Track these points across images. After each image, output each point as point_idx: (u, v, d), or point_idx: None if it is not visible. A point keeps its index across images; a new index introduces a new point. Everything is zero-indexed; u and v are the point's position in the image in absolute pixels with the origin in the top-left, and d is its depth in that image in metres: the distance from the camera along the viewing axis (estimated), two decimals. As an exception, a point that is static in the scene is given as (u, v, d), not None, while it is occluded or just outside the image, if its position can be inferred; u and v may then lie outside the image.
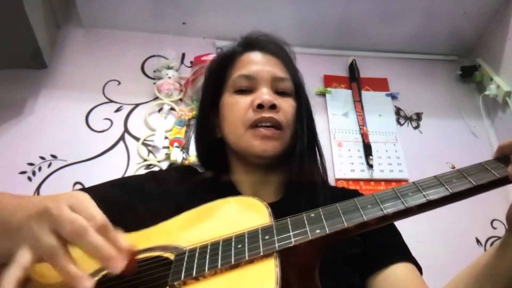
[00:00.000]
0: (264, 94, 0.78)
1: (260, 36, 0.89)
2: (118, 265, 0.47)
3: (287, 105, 0.81)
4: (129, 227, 0.66)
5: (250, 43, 0.88)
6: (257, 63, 0.83)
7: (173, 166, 1.43)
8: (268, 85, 0.80)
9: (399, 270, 0.71)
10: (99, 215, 0.50)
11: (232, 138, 0.81)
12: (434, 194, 0.51)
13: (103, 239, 0.47)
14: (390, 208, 0.51)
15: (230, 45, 0.90)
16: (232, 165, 0.86)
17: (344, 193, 0.87)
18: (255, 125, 0.77)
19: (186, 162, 1.52)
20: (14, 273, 0.47)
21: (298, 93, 0.86)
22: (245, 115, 0.78)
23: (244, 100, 0.80)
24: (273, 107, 0.77)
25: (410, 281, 0.70)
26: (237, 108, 0.80)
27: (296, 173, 0.79)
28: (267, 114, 0.77)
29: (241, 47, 0.88)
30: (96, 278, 0.57)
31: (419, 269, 0.74)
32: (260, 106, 0.77)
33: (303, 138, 0.82)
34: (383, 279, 0.70)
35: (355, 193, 0.87)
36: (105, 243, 0.47)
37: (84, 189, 0.81)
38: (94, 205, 0.51)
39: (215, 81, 0.87)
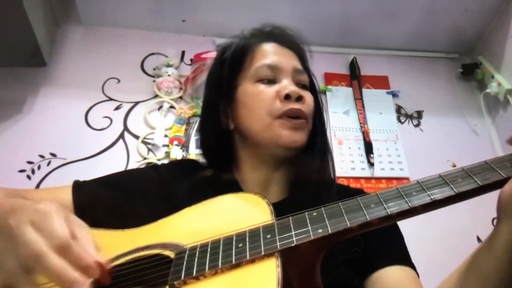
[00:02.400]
0: (290, 85, 0.78)
1: (274, 29, 0.88)
2: None
3: (309, 98, 0.81)
4: (129, 223, 0.66)
5: (266, 35, 0.87)
6: (277, 54, 0.82)
7: (176, 160, 1.42)
8: (289, 77, 0.80)
9: (394, 273, 0.70)
10: (62, 232, 0.45)
11: (255, 128, 0.78)
12: (439, 193, 0.50)
13: (62, 263, 0.43)
14: (394, 207, 0.50)
15: (237, 37, 0.88)
16: (240, 161, 0.84)
17: (349, 192, 0.86)
18: (282, 115, 0.76)
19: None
20: None
21: (313, 87, 0.86)
22: (272, 105, 0.77)
23: (269, 90, 0.78)
24: (299, 98, 0.77)
25: (404, 285, 0.68)
26: (262, 98, 0.78)
27: (313, 170, 0.79)
28: (295, 106, 0.76)
29: (255, 38, 0.86)
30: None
31: (417, 275, 0.73)
32: (287, 97, 0.76)
33: (324, 133, 0.83)
34: (377, 280, 0.69)
35: (360, 193, 0.85)
36: (64, 267, 0.43)
37: (85, 182, 0.80)
38: (59, 220, 0.47)
39: (229, 71, 0.84)
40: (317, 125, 0.82)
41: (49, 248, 0.44)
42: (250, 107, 0.79)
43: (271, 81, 0.80)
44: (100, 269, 0.46)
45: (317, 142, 0.81)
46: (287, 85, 0.78)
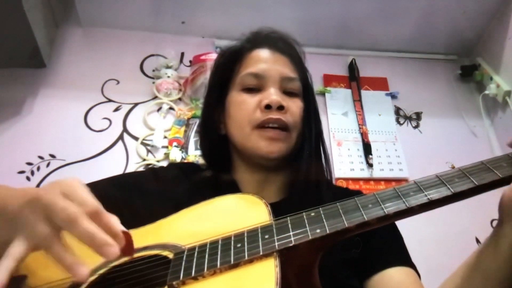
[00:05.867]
0: (272, 95, 0.77)
1: (270, 33, 0.87)
2: (112, 251, 0.46)
3: (294, 106, 0.80)
4: (127, 224, 0.66)
5: (260, 40, 0.86)
6: (266, 61, 0.81)
7: (175, 163, 1.42)
8: (276, 85, 0.79)
9: (395, 274, 0.70)
10: (92, 201, 0.49)
11: (238, 137, 0.79)
12: (435, 193, 0.51)
13: (96, 226, 0.47)
14: (391, 207, 0.51)
15: (236, 40, 0.88)
16: (235, 164, 0.85)
17: (347, 194, 0.86)
18: (262, 125, 0.76)
19: (185, 161, 1.51)
20: (6, 264, 0.47)
21: (306, 94, 0.84)
22: (252, 115, 0.77)
23: (252, 100, 0.78)
24: (280, 108, 0.76)
25: (406, 286, 0.69)
26: (244, 107, 0.78)
27: (302, 175, 0.78)
28: (274, 116, 0.76)
29: (249, 43, 0.86)
30: (93, 278, 0.56)
31: (418, 275, 0.73)
32: (268, 107, 0.76)
33: (311, 140, 0.82)
34: (378, 282, 0.69)
35: (358, 194, 0.85)
36: (98, 229, 0.47)
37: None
38: (87, 190, 0.51)
39: (222, 76, 0.85)
40: (305, 132, 0.82)
41: (82, 213, 0.47)
42: (233, 116, 0.80)
43: (256, 90, 0.80)
44: (126, 238, 0.49)
45: (304, 147, 0.81)
46: (268, 94, 0.77)
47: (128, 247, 0.50)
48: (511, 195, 0.51)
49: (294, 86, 0.81)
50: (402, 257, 0.74)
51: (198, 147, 1.54)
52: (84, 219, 0.47)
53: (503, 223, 0.54)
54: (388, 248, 0.74)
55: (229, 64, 0.85)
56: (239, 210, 0.62)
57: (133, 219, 0.67)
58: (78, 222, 0.46)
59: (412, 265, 0.73)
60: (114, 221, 0.50)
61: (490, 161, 0.53)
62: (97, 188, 0.78)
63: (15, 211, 0.51)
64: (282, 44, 0.86)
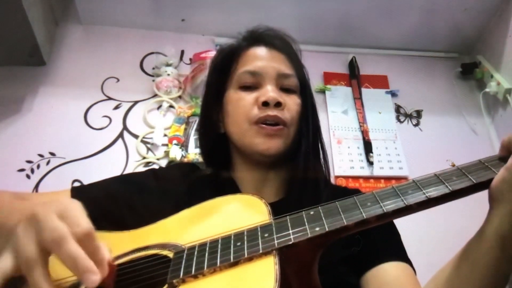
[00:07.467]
0: (269, 91, 0.77)
1: (266, 31, 0.88)
2: (93, 279, 0.44)
3: (292, 103, 0.80)
4: (128, 225, 0.66)
5: (256, 38, 0.86)
6: (262, 58, 0.82)
7: (174, 164, 1.42)
8: (273, 82, 0.79)
9: (390, 269, 0.70)
10: (85, 224, 0.47)
11: (236, 134, 0.80)
12: (433, 191, 0.51)
13: (81, 251, 0.45)
14: (389, 205, 0.51)
15: (235, 38, 0.89)
16: (234, 162, 0.85)
17: (345, 193, 0.87)
18: (259, 122, 0.76)
19: (185, 159, 1.51)
20: None
21: (303, 90, 0.85)
22: (250, 112, 0.77)
23: (249, 97, 0.79)
24: (278, 104, 0.77)
25: (401, 281, 0.69)
26: (241, 105, 0.79)
27: (300, 172, 0.79)
28: (272, 112, 0.76)
29: (246, 42, 0.86)
30: None
31: (414, 271, 0.73)
32: (265, 104, 0.76)
33: (308, 136, 0.82)
34: (373, 277, 0.70)
35: (356, 192, 0.85)
36: (83, 254, 0.45)
37: (84, 186, 0.81)
38: (83, 213, 0.49)
39: (219, 75, 0.85)
40: (303, 128, 0.82)
41: (71, 235, 0.46)
42: (231, 114, 0.81)
43: (253, 87, 0.80)
44: (110, 269, 0.48)
45: (302, 145, 0.81)
46: (265, 91, 0.78)
47: (109, 278, 0.48)
48: (497, 182, 0.51)
49: (291, 83, 0.82)
50: (398, 253, 0.74)
51: (198, 145, 1.56)
52: (70, 242, 0.45)
53: (490, 209, 0.54)
54: (384, 244, 0.75)
55: (226, 63, 0.85)
56: (239, 210, 0.62)
57: (133, 219, 0.67)
58: (63, 244, 0.45)
59: (408, 261, 0.73)
60: (103, 249, 0.48)
61: (488, 160, 0.53)
62: (98, 188, 0.78)
63: (13, 227, 0.49)
64: (278, 42, 0.86)
